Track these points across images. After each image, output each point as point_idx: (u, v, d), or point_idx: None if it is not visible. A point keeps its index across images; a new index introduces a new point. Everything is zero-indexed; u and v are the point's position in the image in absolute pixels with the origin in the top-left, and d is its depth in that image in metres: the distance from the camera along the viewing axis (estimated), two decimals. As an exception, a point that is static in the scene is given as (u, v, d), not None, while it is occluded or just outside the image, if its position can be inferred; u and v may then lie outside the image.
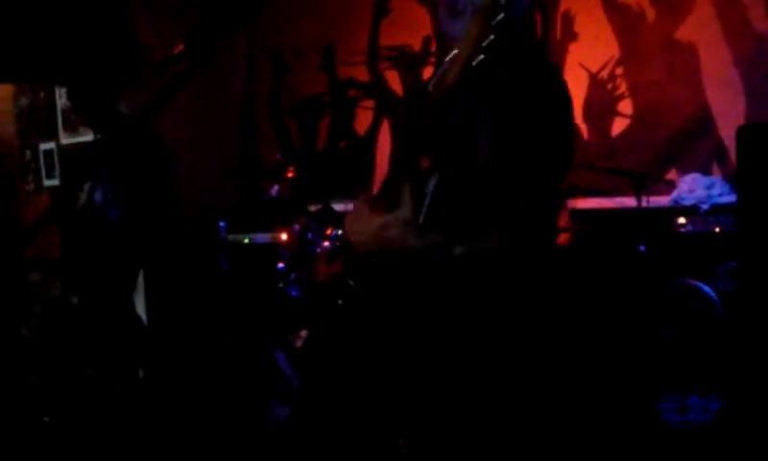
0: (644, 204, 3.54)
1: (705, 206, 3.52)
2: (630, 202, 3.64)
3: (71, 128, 5.11)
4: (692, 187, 3.61)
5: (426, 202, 1.52)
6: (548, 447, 1.65)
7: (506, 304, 1.56)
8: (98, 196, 3.07)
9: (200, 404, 3.11)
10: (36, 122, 5.32)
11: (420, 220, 1.52)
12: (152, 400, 3.15)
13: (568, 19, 4.13)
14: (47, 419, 3.18)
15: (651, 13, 3.90)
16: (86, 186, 3.13)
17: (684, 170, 3.76)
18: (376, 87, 4.84)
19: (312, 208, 3.76)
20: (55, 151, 5.22)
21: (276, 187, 4.22)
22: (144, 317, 3.33)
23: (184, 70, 1.74)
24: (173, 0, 4.62)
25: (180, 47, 1.74)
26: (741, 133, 2.46)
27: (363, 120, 4.89)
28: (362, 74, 4.86)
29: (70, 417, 3.22)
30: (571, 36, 4.11)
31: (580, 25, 4.09)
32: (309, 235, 2.11)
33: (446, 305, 1.56)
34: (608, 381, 3.30)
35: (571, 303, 3.49)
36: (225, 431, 3.09)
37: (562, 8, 4.13)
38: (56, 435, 3.19)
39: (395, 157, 1.71)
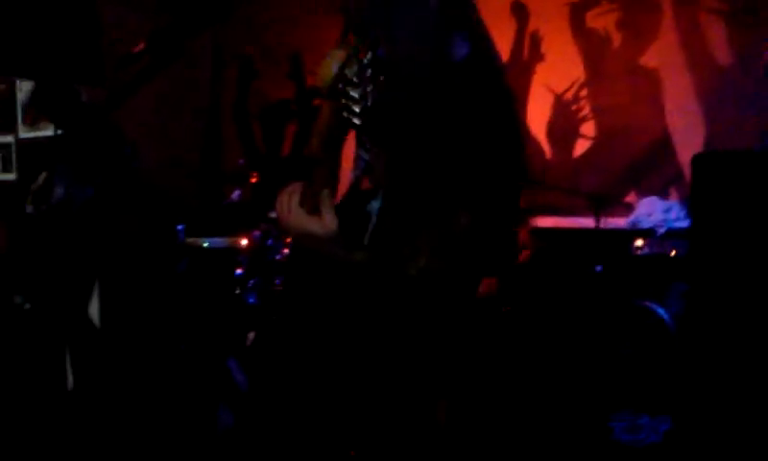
0: (603, 225, 3.59)
1: (661, 230, 3.57)
2: (589, 222, 3.67)
3: (31, 122, 5.00)
4: (650, 210, 3.66)
5: (372, 222, 1.48)
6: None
7: (441, 321, 1.50)
8: (59, 191, 3.01)
9: (150, 408, 3.05)
10: (-5, 114, 5.20)
11: (366, 240, 1.48)
12: (100, 403, 3.08)
13: (536, 40, 4.17)
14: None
15: (617, 38, 3.96)
16: (42, 180, 3.06)
17: (642, 193, 3.82)
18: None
19: (273, 215, 3.73)
20: (12, 144, 5.10)
21: (238, 192, 4.17)
22: (98, 318, 3.26)
23: (146, 68, 1.71)
24: (145, 2, 4.58)
25: (141, 45, 1.72)
26: (696, 160, 2.51)
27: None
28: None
29: (16, 420, 3.13)
30: (538, 56, 4.16)
31: (547, 46, 4.14)
32: (269, 242, 2.08)
33: (374, 323, 1.51)
34: (562, 398, 3.32)
35: (528, 319, 3.51)
36: (174, 436, 3.03)
37: (530, 28, 4.18)
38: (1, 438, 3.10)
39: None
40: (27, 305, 3.05)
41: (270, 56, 5.03)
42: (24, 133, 5.04)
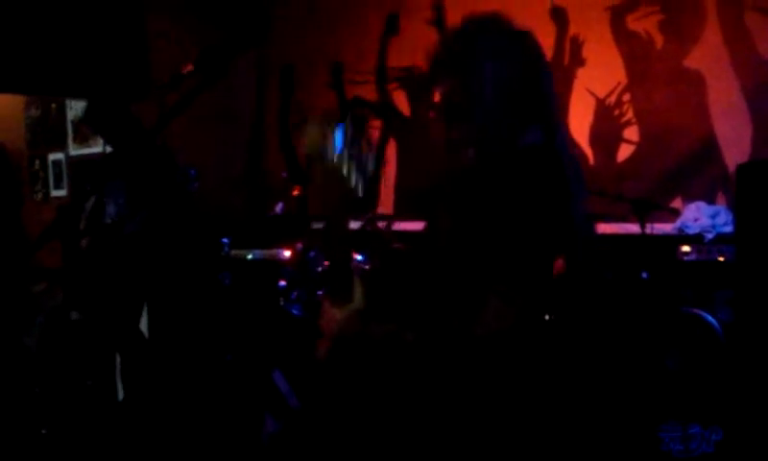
0: (648, 231, 3.53)
1: (709, 235, 3.50)
2: (634, 228, 3.62)
3: (81, 139, 5.15)
4: (696, 216, 3.59)
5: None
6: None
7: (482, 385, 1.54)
8: (111, 210, 3.09)
9: (197, 418, 3.11)
10: (46, 132, 5.37)
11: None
12: (149, 415, 3.15)
13: (577, 44, 4.14)
14: (44, 431, 3.19)
15: (659, 41, 3.91)
16: (95, 200, 3.15)
17: (688, 198, 3.75)
18: (384, 107, 4.85)
19: (316, 227, 3.77)
20: (63, 161, 5.26)
21: (281, 205, 4.23)
22: (146, 331, 3.34)
23: (194, 88, 1.75)
24: (187, 14, 4.67)
25: (190, 67, 1.76)
26: (741, 170, 2.47)
27: (372, 140, 4.91)
28: (370, 93, 4.89)
29: (67, 430, 3.22)
30: (579, 61, 4.13)
31: (588, 50, 4.10)
32: (311, 254, 2.12)
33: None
34: (610, 409, 3.28)
35: (572, 327, 3.48)
36: (220, 445, 3.08)
37: (570, 33, 4.15)
38: (52, 448, 3.19)
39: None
40: (78, 318, 3.13)
41: (312, 66, 5.09)
42: (75, 151, 5.20)
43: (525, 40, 1.61)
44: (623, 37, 3.99)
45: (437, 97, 1.60)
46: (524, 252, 1.50)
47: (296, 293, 3.52)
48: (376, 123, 4.89)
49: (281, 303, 3.49)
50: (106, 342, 3.15)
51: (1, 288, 3.84)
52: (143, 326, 3.29)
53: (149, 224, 3.02)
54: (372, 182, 4.81)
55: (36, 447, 3.18)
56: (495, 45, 1.57)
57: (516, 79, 1.56)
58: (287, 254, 3.68)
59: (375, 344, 1.56)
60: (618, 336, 3.49)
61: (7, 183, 5.32)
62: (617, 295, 3.60)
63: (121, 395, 3.48)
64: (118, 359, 3.38)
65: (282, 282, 3.51)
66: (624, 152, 4.02)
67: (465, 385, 1.52)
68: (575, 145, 4.12)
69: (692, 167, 3.79)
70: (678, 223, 3.66)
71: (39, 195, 5.40)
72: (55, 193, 5.33)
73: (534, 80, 1.59)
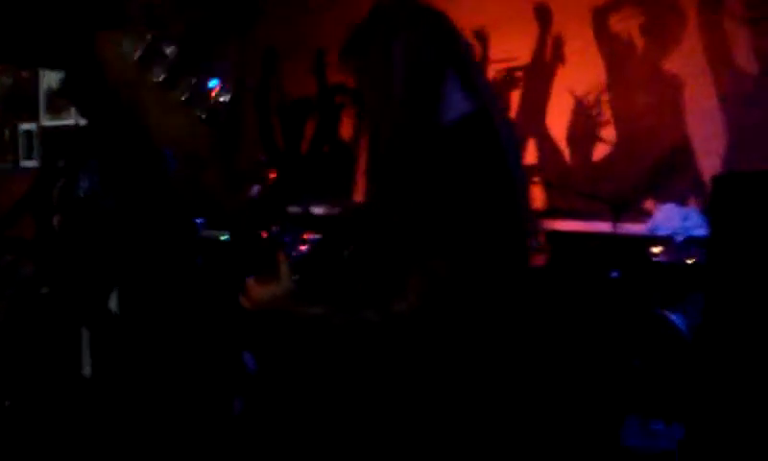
0: (620, 230, 3.57)
1: (679, 238, 3.55)
2: (606, 227, 3.66)
3: (54, 109, 5.06)
4: (668, 217, 3.64)
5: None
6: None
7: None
8: (85, 184, 3.04)
9: (165, 397, 3.09)
10: (18, 102, 5.26)
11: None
12: (116, 391, 3.12)
13: (558, 43, 4.16)
14: (7, 403, 3.14)
15: (640, 43, 3.94)
16: (68, 174, 3.09)
17: (661, 200, 3.80)
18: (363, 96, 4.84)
19: (292, 211, 3.75)
20: (35, 132, 5.17)
21: (257, 188, 4.19)
22: (116, 309, 3.30)
23: (176, 68, 1.73)
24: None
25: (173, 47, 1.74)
26: (717, 181, 2.50)
27: (348, 127, 4.90)
28: (351, 81, 4.86)
29: (30, 403, 3.18)
30: (559, 59, 4.15)
31: (569, 49, 4.12)
32: (287, 239, 2.10)
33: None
34: (574, 403, 3.32)
35: (540, 323, 3.51)
36: (187, 423, 3.07)
37: (553, 31, 4.17)
38: (13, 420, 3.15)
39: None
40: (47, 292, 3.08)
41: (292, 52, 5.05)
42: (47, 121, 5.11)
43: (437, 16, 1.59)
44: (605, 38, 4.02)
45: (352, 79, 1.59)
46: (454, 227, 1.46)
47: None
48: (355, 110, 4.87)
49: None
50: (74, 317, 3.10)
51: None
52: (113, 304, 3.25)
53: (124, 201, 2.98)
54: (349, 170, 4.80)
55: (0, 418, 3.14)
56: (406, 18, 1.54)
57: (430, 49, 1.53)
58: (262, 236, 3.65)
59: (301, 323, 1.54)
60: (586, 332, 3.53)
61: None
62: (587, 292, 3.64)
63: (88, 371, 3.44)
64: (85, 335, 3.34)
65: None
66: (600, 151, 4.05)
67: (384, 364, 1.50)
68: (552, 141, 4.16)
69: (666, 169, 3.84)
70: (650, 224, 3.71)
71: (9, 165, 5.30)
72: (25, 163, 5.23)
73: (451, 49, 1.56)
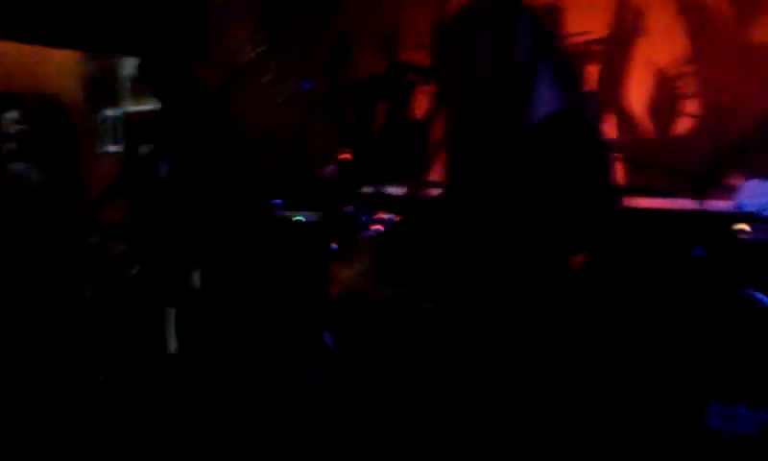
0: (704, 207, 3.47)
1: (767, 214, 3.42)
2: (688, 204, 3.57)
3: (136, 95, 5.24)
4: (755, 193, 3.51)
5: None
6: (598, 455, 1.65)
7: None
8: (164, 168, 3.15)
9: (247, 375, 3.19)
10: (103, 88, 5.47)
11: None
12: (201, 367, 3.24)
13: (638, 13, 4.05)
14: (102, 378, 3.31)
15: (724, 12, 3.79)
16: (150, 156, 3.21)
17: (747, 175, 3.67)
18: (435, 73, 4.81)
19: (365, 191, 3.79)
20: (119, 117, 5.37)
21: (332, 168, 4.25)
22: (199, 288, 3.41)
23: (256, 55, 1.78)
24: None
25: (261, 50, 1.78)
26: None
27: (421, 106, 4.88)
28: (424, 59, 4.84)
29: (124, 378, 3.33)
30: (640, 31, 4.03)
31: (650, 21, 4.00)
32: (362, 218, 2.14)
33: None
34: (655, 386, 3.27)
35: (622, 302, 3.45)
36: (268, 401, 3.16)
37: (633, 2, 4.05)
38: (108, 394, 3.31)
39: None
40: (136, 272, 3.22)
41: (364, 31, 5.07)
42: (130, 107, 5.29)
43: (532, 11, 1.61)
44: (688, 7, 3.88)
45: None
46: (546, 220, 1.49)
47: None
48: (428, 89, 4.85)
49: (333, 264, 3.53)
50: (161, 296, 3.23)
51: (61, 240, 3.97)
52: (196, 282, 3.36)
53: (203, 182, 3.07)
54: (421, 149, 4.80)
55: (95, 392, 3.30)
56: (501, 11, 1.56)
57: (523, 43, 1.55)
58: (337, 215, 3.71)
59: (382, 305, 1.58)
60: (668, 312, 3.45)
61: (66, 139, 5.46)
62: (669, 271, 3.56)
63: (173, 348, 3.58)
64: (171, 313, 3.48)
65: (334, 245, 3.54)
66: (683, 125, 3.94)
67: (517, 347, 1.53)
68: (631, 115, 4.07)
69: (753, 144, 3.70)
70: (735, 200, 3.59)
71: (96, 150, 5.52)
72: (110, 148, 5.44)
73: (544, 44, 1.57)
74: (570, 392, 1.63)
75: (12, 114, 4.82)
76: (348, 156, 4.16)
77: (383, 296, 1.58)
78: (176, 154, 3.10)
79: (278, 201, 3.78)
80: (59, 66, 5.57)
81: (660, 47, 3.97)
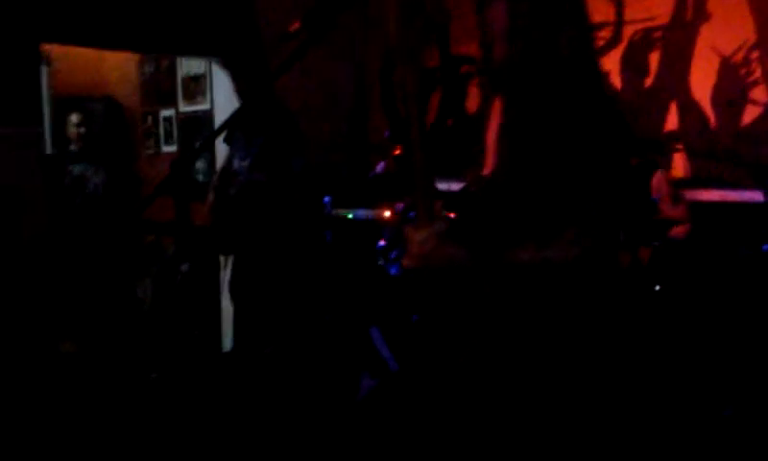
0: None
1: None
2: (756, 196, 3.40)
3: (189, 96, 5.30)
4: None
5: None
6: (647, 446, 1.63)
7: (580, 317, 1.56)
8: (236, 162, 3.17)
9: (294, 375, 3.18)
10: (158, 90, 5.56)
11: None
12: (254, 366, 3.24)
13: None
14: (154, 375, 3.34)
15: (791, -6, 3.60)
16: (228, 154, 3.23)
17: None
18: (489, 66, 4.72)
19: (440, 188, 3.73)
20: (173, 118, 5.44)
21: (383, 164, 4.20)
22: (251, 286, 3.41)
23: (301, 44, 1.77)
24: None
25: (297, 24, 1.78)
26: None
27: (474, 99, 4.80)
28: (476, 50, 4.76)
29: (176, 376, 3.37)
30: (703, 16, 3.86)
31: (713, 5, 3.83)
32: (412, 214, 2.11)
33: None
34: (717, 385, 3.13)
35: (683, 299, 3.32)
36: (315, 402, 3.15)
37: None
38: (160, 392, 3.34)
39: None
40: (188, 269, 3.24)
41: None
42: (184, 108, 5.37)
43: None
44: (753, -9, 3.70)
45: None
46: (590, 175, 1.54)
47: (395, 253, 3.51)
48: (481, 80, 4.76)
49: (380, 262, 3.49)
50: (213, 292, 3.24)
51: (117, 240, 4.05)
52: (247, 281, 3.37)
53: (273, 178, 3.08)
54: (475, 144, 4.71)
55: (147, 390, 3.35)
56: None
57: None
58: (387, 213, 3.67)
59: (454, 265, 1.59)
60: (733, 309, 3.30)
61: (123, 139, 5.58)
62: (735, 266, 3.40)
63: (229, 345, 3.60)
64: (227, 310, 3.49)
65: (382, 242, 3.50)
66: (749, 114, 3.76)
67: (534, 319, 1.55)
68: (695, 105, 3.91)
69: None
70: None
71: (152, 150, 5.62)
72: (165, 149, 5.52)
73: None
74: (624, 384, 1.59)
75: (75, 117, 4.94)
76: (399, 150, 4.10)
77: (451, 256, 1.57)
78: (247, 149, 3.12)
79: (327, 198, 3.76)
80: (116, 69, 5.70)
81: (724, 33, 3.79)
